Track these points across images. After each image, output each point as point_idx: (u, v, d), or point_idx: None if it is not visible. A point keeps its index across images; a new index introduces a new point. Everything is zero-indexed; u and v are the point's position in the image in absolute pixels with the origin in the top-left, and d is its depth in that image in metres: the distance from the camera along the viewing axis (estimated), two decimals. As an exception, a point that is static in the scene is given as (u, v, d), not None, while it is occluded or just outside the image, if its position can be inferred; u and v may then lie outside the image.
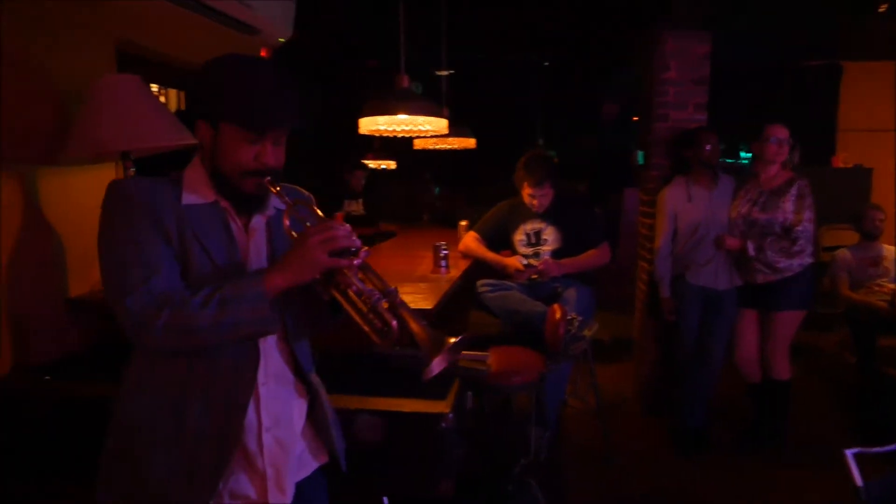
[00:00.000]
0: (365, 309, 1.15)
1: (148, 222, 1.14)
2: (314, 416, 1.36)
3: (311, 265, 1.12)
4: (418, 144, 4.47)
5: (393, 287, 1.14)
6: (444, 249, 2.98)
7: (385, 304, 1.13)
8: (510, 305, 2.96)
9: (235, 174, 1.18)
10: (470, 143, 4.46)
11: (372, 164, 7.17)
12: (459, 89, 7.36)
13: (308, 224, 1.19)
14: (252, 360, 1.23)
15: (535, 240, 3.26)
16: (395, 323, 1.11)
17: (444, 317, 2.92)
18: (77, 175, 2.33)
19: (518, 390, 2.38)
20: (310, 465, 1.36)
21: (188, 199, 1.20)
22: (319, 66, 6.70)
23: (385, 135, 3.04)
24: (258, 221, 1.28)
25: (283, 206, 1.24)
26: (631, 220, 5.49)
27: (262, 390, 1.24)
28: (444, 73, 8.27)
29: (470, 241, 3.39)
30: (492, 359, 2.47)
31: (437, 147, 4.63)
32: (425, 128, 2.90)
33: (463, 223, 3.83)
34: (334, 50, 6.44)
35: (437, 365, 1.09)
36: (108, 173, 2.40)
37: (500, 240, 3.39)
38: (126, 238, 1.13)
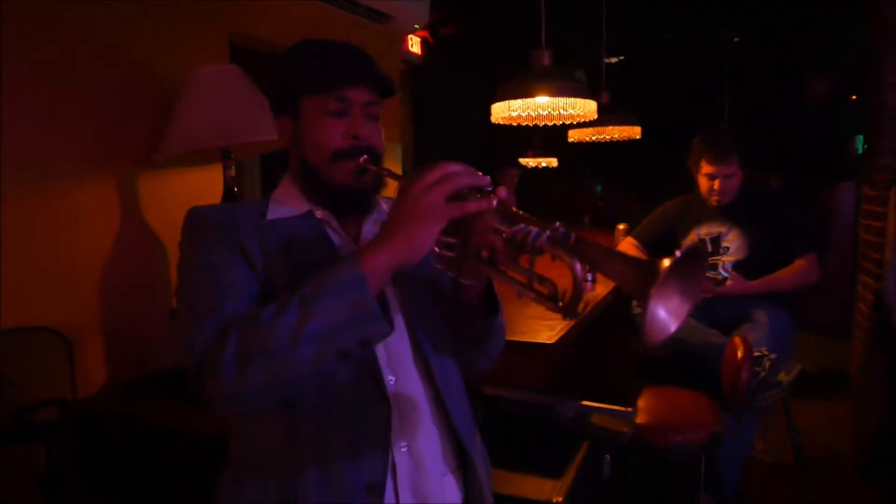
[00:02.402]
0: (525, 264, 0.79)
1: (225, 245, 0.93)
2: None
3: (424, 219, 0.77)
4: (573, 135, 3.93)
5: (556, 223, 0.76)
6: (591, 260, 2.44)
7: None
8: (675, 333, 2.33)
9: (326, 161, 0.97)
10: (634, 132, 3.81)
11: (531, 162, 6.72)
12: (632, 76, 6.64)
13: None
14: (379, 415, 0.88)
15: (713, 248, 2.58)
16: (578, 266, 0.73)
17: (590, 349, 2.39)
18: (181, 176, 2.19)
19: (679, 453, 1.79)
20: None
21: (274, 213, 1.00)
22: (475, 58, 6.42)
23: (521, 123, 2.58)
24: (370, 229, 0.99)
25: None
26: (846, 223, 4.44)
27: (398, 458, 0.91)
28: (613, 59, 7.53)
29: (627, 248, 2.78)
30: (644, 404, 1.90)
31: (597, 139, 4.03)
32: (567, 112, 2.38)
33: (621, 227, 3.22)
34: (491, 41, 6.11)
35: (658, 297, 0.69)
36: (214, 175, 2.24)
37: (667, 247, 2.75)
38: (199, 263, 0.92)
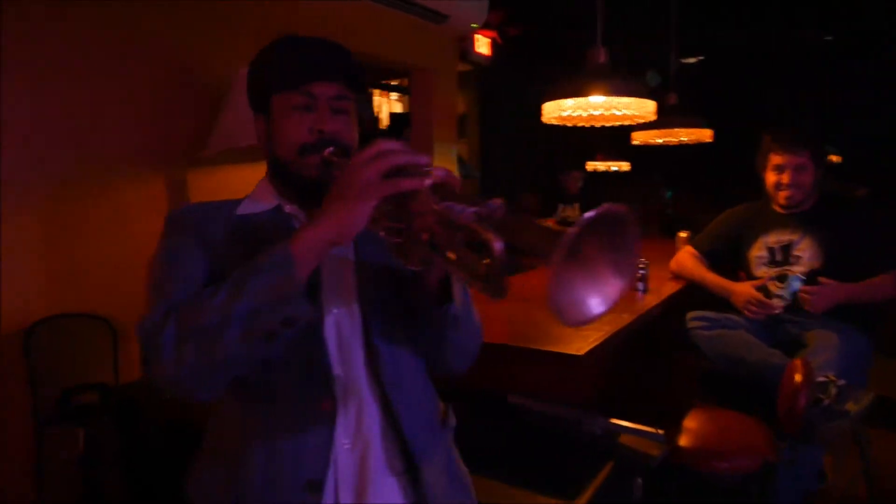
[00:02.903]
0: (455, 243, 0.75)
1: (192, 240, 0.97)
2: None
3: (357, 196, 0.76)
4: (636, 138, 3.76)
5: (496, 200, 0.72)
6: (642, 268, 2.31)
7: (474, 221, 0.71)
8: (732, 351, 2.16)
9: (294, 156, 0.97)
10: (704, 134, 3.61)
11: (600, 165, 6.52)
12: (710, 77, 6.32)
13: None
14: (322, 411, 0.88)
15: (782, 257, 2.37)
16: (497, 245, 0.68)
17: (637, 365, 2.27)
18: (227, 173, 2.24)
19: (725, 480, 1.65)
20: None
21: (245, 208, 1.03)
22: (543, 59, 6.30)
23: (574, 123, 2.48)
24: None
25: None
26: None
27: (340, 456, 0.90)
28: (691, 60, 7.17)
29: (685, 257, 2.62)
30: (689, 425, 1.77)
31: (664, 141, 3.85)
32: (620, 112, 2.27)
33: (682, 234, 3.04)
34: (559, 42, 5.98)
35: (558, 263, 0.60)
36: (259, 171, 2.27)
37: (731, 257, 2.57)
38: (164, 257, 0.96)
